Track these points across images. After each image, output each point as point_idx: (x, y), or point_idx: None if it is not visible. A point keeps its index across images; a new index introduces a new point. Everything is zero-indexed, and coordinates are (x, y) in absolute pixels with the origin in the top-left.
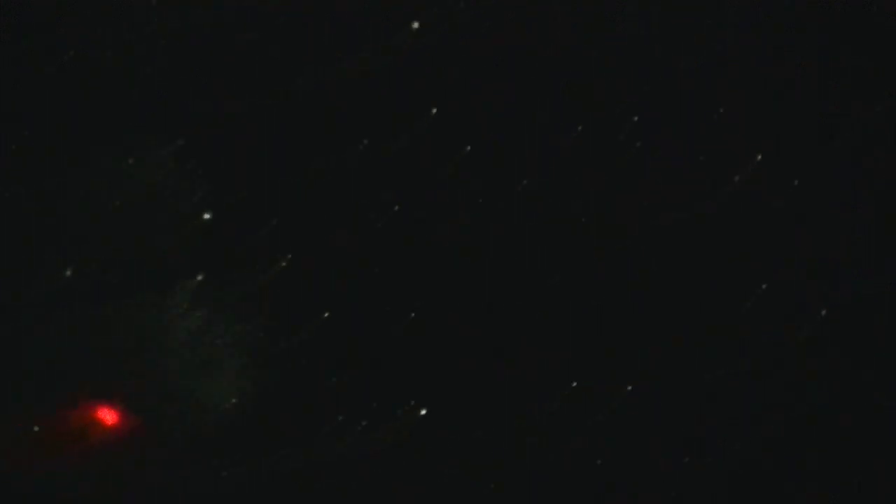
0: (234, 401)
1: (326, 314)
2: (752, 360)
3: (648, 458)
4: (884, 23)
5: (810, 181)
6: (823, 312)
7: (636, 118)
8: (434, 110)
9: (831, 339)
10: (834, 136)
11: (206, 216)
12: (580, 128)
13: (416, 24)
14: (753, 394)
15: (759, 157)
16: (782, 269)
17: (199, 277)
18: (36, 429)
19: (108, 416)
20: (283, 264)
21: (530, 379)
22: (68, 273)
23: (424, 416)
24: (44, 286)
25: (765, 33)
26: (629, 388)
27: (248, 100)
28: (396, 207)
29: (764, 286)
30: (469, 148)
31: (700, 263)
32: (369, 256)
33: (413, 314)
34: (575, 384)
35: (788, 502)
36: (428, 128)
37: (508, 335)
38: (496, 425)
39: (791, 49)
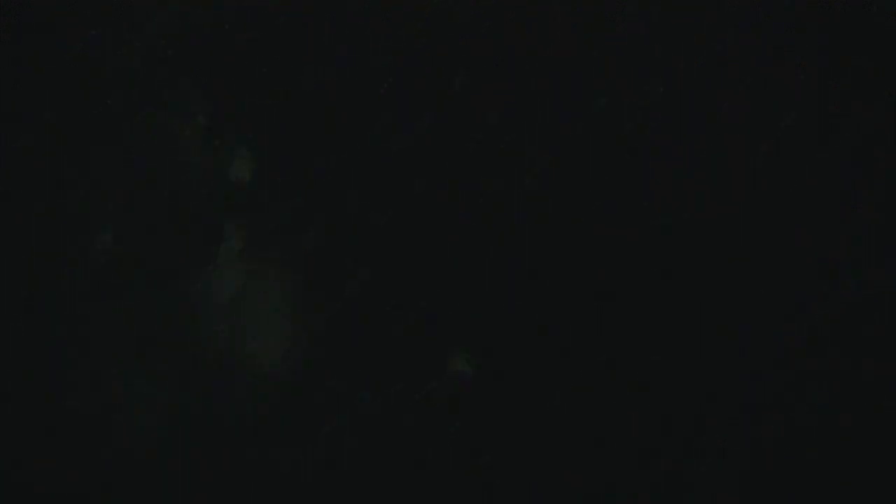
0: (279, 367)
1: (369, 275)
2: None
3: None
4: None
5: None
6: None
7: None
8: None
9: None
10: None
11: (246, 179)
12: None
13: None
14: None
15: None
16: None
17: (240, 243)
18: None
19: None
20: (325, 226)
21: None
22: (108, 239)
23: (475, 373)
24: (85, 255)
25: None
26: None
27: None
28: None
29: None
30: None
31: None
32: (412, 216)
33: (459, 273)
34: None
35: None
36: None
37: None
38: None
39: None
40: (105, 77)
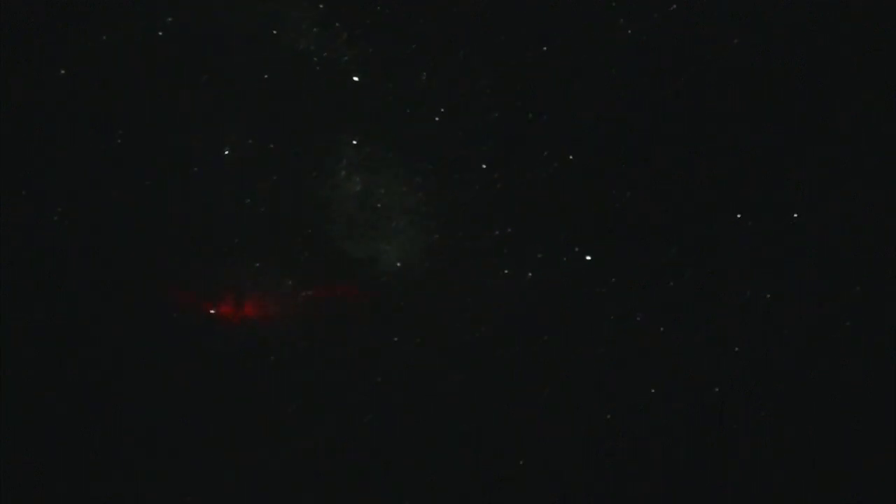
0: (398, 264)
1: (484, 166)
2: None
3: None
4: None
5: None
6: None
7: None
8: None
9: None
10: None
11: (355, 79)
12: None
13: None
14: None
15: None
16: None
17: (355, 141)
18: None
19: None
20: (437, 119)
21: None
22: (226, 152)
23: (588, 261)
24: (205, 164)
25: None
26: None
27: None
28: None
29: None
30: None
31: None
32: (527, 105)
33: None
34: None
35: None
36: None
37: None
38: None
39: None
40: None
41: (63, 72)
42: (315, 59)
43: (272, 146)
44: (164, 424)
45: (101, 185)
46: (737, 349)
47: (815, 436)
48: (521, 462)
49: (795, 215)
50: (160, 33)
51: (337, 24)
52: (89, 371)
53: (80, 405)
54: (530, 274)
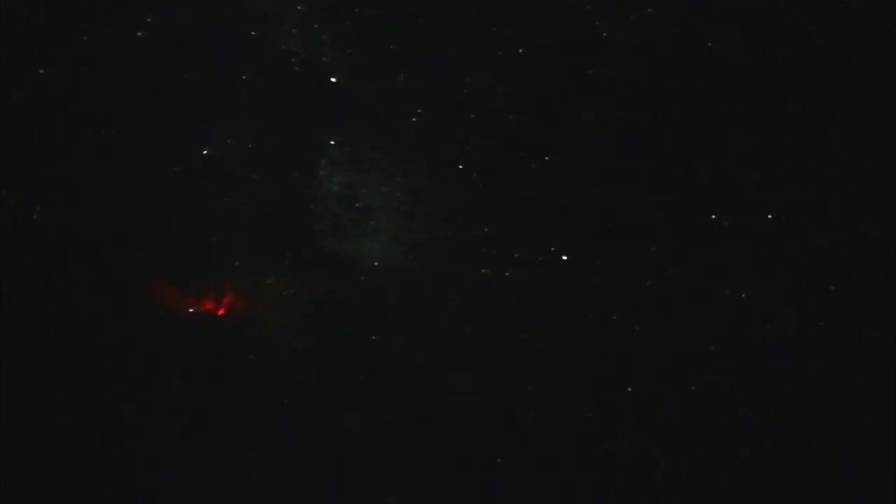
0: (377, 263)
1: (462, 167)
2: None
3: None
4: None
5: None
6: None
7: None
8: None
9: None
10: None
11: (333, 80)
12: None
13: None
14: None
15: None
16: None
17: (334, 140)
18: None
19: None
20: (415, 119)
21: None
22: (205, 152)
23: (565, 261)
24: (189, 163)
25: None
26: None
27: None
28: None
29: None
30: None
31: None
32: (510, 104)
33: (552, 162)
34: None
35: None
36: None
37: None
38: None
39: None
40: None
41: (42, 72)
42: (294, 60)
43: (252, 146)
44: (141, 422)
45: (82, 186)
46: (713, 349)
47: (792, 437)
48: (498, 460)
49: (769, 216)
50: (140, 34)
51: (316, 26)
52: (66, 369)
53: (59, 404)
54: (507, 273)
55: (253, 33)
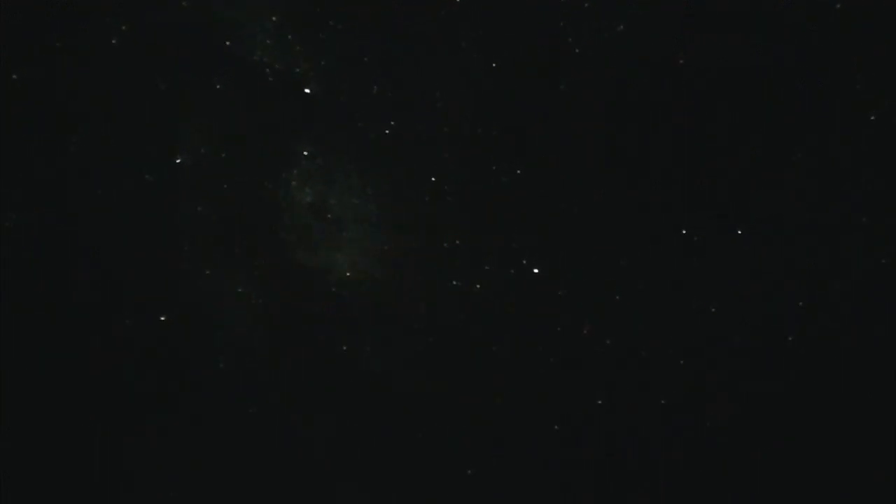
0: (349, 274)
1: (433, 179)
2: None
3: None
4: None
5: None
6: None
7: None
8: None
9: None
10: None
11: (307, 90)
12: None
13: None
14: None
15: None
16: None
17: (307, 152)
18: None
19: None
20: (388, 132)
21: None
22: (178, 160)
23: (536, 274)
24: (162, 171)
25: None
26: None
27: None
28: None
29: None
30: None
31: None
32: (480, 117)
33: (523, 175)
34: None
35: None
36: None
37: None
38: None
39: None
40: None
41: (15, 77)
42: (268, 70)
43: (224, 155)
44: (108, 430)
45: (51, 193)
46: (682, 362)
47: (770, 452)
48: (469, 471)
49: (739, 232)
50: (114, 41)
51: (290, 37)
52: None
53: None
54: (478, 286)
55: (227, 43)
